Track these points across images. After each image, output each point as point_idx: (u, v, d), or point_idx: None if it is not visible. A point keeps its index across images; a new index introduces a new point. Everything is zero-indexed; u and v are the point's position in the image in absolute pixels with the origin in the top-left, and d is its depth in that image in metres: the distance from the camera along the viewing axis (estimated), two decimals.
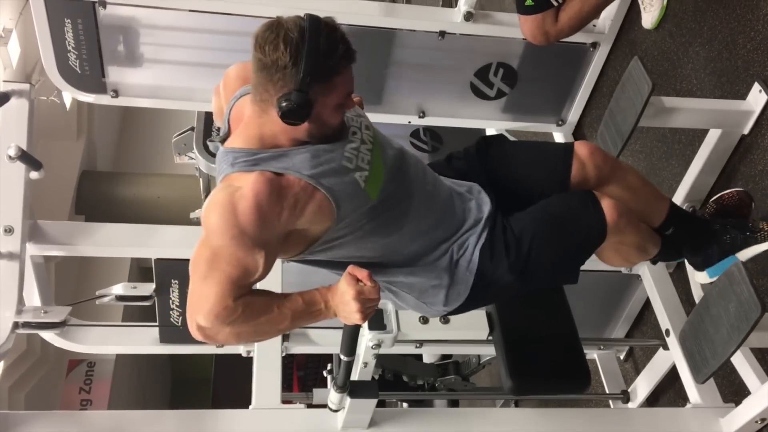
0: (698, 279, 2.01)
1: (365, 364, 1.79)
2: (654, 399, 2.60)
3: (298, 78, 1.33)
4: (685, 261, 2.07)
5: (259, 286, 1.47)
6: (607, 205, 1.68)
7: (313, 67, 1.33)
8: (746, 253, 1.90)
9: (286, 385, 5.73)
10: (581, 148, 1.75)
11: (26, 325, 2.19)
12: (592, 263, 2.51)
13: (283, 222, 1.41)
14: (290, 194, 1.40)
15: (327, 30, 1.35)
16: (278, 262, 1.68)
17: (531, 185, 1.76)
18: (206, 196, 3.86)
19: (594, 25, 2.81)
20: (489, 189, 1.74)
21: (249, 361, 2.25)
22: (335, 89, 1.39)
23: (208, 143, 1.59)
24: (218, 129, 1.64)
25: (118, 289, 2.31)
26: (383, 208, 1.54)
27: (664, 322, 2.30)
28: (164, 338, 2.39)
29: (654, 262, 2.02)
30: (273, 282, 2.00)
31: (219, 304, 1.39)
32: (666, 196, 1.94)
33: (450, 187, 1.72)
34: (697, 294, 2.25)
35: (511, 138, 1.95)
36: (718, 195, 2.02)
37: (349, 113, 1.55)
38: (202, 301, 1.40)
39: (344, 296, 1.41)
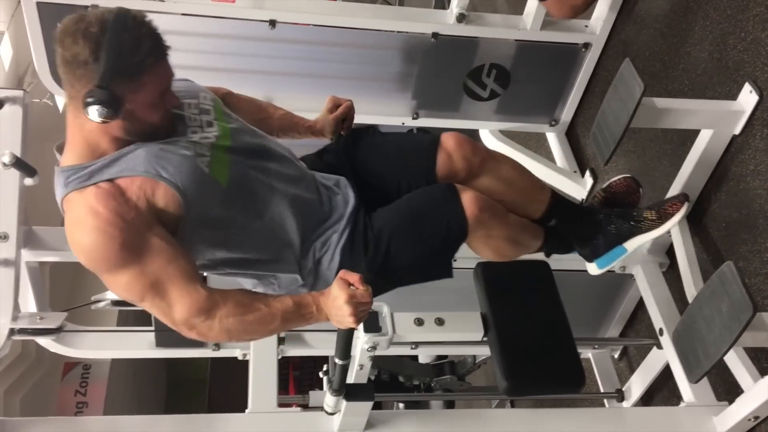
0: (590, 271, 1.99)
1: (361, 367, 1.79)
2: (648, 398, 2.61)
3: (99, 74, 1.31)
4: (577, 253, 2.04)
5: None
6: (467, 198, 1.63)
7: (113, 63, 1.31)
8: (632, 243, 1.88)
9: (282, 386, 5.74)
10: (448, 140, 1.72)
11: (22, 331, 2.19)
12: (585, 263, 2.54)
13: (143, 216, 1.40)
14: (131, 194, 1.40)
15: (133, 25, 1.33)
16: None
17: (398, 179, 1.73)
18: None
19: (586, 26, 2.82)
20: (354, 183, 1.72)
21: (245, 363, 2.25)
22: (145, 86, 1.37)
23: (55, 151, 1.57)
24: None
25: (114, 294, 2.30)
26: (237, 192, 1.52)
27: (657, 322, 2.32)
28: (160, 342, 2.39)
29: (547, 254, 1.96)
30: None
31: (193, 296, 1.41)
32: (548, 186, 1.89)
33: (318, 180, 1.70)
34: (690, 293, 2.27)
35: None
36: (607, 183, 1.98)
37: (193, 101, 1.55)
38: (177, 306, 1.41)
39: (336, 300, 1.42)
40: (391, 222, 1.64)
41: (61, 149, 1.51)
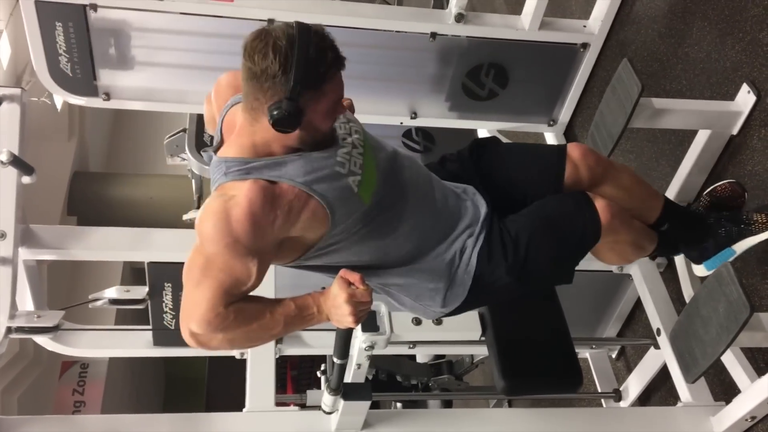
0: (696, 272, 2.03)
1: (359, 366, 1.80)
2: (646, 398, 2.62)
3: (288, 86, 1.34)
4: (683, 255, 2.10)
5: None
6: (600, 205, 1.70)
7: (302, 75, 1.34)
8: (742, 245, 1.92)
9: (280, 385, 5.74)
10: (574, 150, 1.78)
11: (19, 329, 2.19)
12: (584, 263, 2.54)
13: (277, 229, 1.42)
14: (284, 202, 1.41)
15: (316, 38, 1.36)
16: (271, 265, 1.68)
17: (525, 187, 1.78)
18: (198, 197, 3.88)
19: (584, 26, 2.83)
20: (484, 191, 1.75)
21: (243, 362, 2.25)
22: (325, 96, 1.40)
23: (202, 153, 1.59)
24: (211, 137, 1.64)
25: (111, 292, 2.30)
26: (377, 211, 1.55)
27: (655, 322, 2.32)
28: (158, 341, 2.39)
29: (653, 257, 2.05)
30: (266, 285, 2.00)
31: (211, 311, 1.40)
32: (660, 193, 1.96)
33: (447, 187, 1.73)
34: (688, 293, 2.27)
35: (505, 140, 1.96)
36: (712, 187, 2.04)
37: (340, 118, 1.56)
38: (195, 308, 1.41)
39: (336, 299, 1.42)
40: (528, 227, 1.68)
41: (216, 151, 1.51)
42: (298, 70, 1.33)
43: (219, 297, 1.40)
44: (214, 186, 1.47)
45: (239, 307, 1.44)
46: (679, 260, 2.33)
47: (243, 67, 1.37)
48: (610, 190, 1.80)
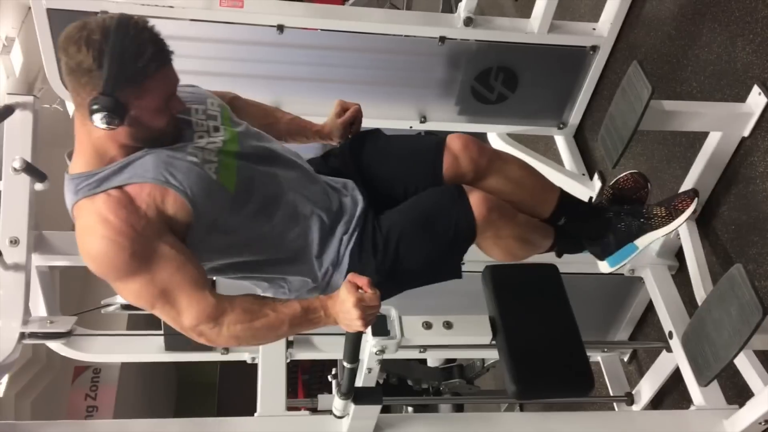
0: (601, 268, 1.98)
1: (369, 370, 1.80)
2: (658, 401, 2.60)
3: (103, 81, 1.31)
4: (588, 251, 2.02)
5: None
6: (475, 198, 1.63)
7: (117, 69, 1.31)
8: (644, 240, 1.86)
9: (291, 390, 5.74)
10: (454, 142, 1.71)
11: (33, 335, 2.20)
12: (594, 266, 2.53)
13: (152, 224, 1.41)
14: (140, 201, 1.41)
15: (135, 31, 1.33)
16: None
17: (404, 182, 1.72)
18: None
19: (593, 29, 2.82)
20: (362, 186, 1.72)
21: (254, 367, 2.26)
22: (149, 92, 1.37)
23: (65, 158, 1.57)
24: None
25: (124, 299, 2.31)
26: (246, 198, 1.52)
27: (666, 325, 2.31)
28: (169, 346, 2.40)
29: (558, 254, 1.96)
30: None
31: (201, 303, 1.42)
32: (555, 186, 1.88)
33: (325, 182, 1.70)
34: (700, 296, 2.26)
35: (386, 134, 1.87)
36: (615, 179, 1.97)
37: (200, 107, 1.56)
38: (186, 313, 1.43)
39: (344, 304, 1.42)
40: (399, 224, 1.64)
41: (71, 156, 1.52)
42: (112, 65, 1.30)
43: (193, 288, 1.42)
44: (69, 206, 1.46)
45: (234, 301, 1.45)
46: (691, 263, 2.32)
47: (61, 60, 1.35)
48: (496, 183, 1.73)
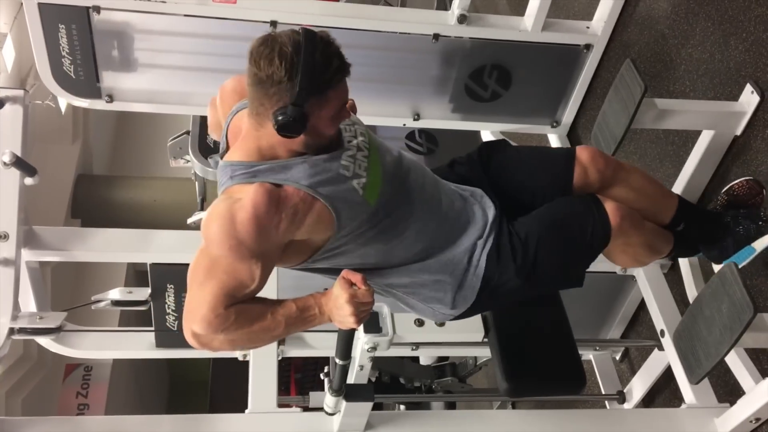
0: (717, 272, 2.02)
1: (361, 367, 1.80)
2: (650, 399, 2.61)
3: (294, 92, 1.34)
4: (702, 255, 2.07)
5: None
6: (610, 208, 1.70)
7: (308, 81, 1.34)
8: (762, 242, 1.91)
9: (283, 388, 5.74)
10: (583, 153, 1.78)
11: (22, 330, 2.19)
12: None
13: (282, 232, 1.42)
14: (289, 205, 1.41)
15: (322, 45, 1.36)
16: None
17: (534, 191, 1.78)
18: (202, 200, 3.88)
19: (587, 27, 2.82)
20: (492, 194, 1.75)
21: (246, 364, 2.25)
22: (330, 102, 1.40)
23: (209, 159, 1.59)
24: (214, 141, 1.65)
25: (114, 294, 2.30)
26: (383, 213, 1.55)
27: (659, 323, 2.31)
28: (160, 343, 2.39)
29: (673, 259, 2.05)
30: (269, 286, 2.00)
31: (212, 312, 1.40)
32: (674, 192, 1.96)
33: (453, 190, 1.73)
34: (692, 294, 2.26)
35: (513, 143, 1.96)
36: (729, 185, 2.03)
37: (345, 121, 1.56)
38: (197, 309, 1.41)
39: (338, 300, 1.42)
40: (537, 230, 1.68)
41: (223, 156, 1.52)
42: (304, 77, 1.33)
43: (221, 298, 1.41)
44: (221, 189, 1.48)
45: (240, 309, 1.44)
46: (683, 261, 2.32)
47: (248, 72, 1.37)
48: (620, 192, 1.80)
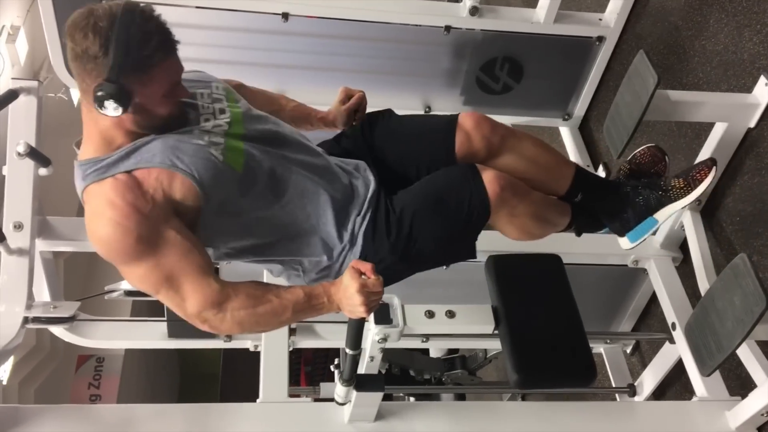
0: (622, 245, 1.93)
1: (372, 358, 1.79)
2: (660, 392, 2.60)
3: (108, 68, 1.32)
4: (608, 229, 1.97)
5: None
6: (488, 177, 1.61)
7: (122, 57, 1.32)
8: (663, 213, 1.82)
9: (294, 380, 5.76)
10: (466, 120, 1.70)
11: (36, 320, 2.21)
12: (598, 257, 2.53)
13: (159, 208, 1.41)
14: (147, 185, 1.41)
15: (141, 19, 1.34)
16: None
17: (417, 162, 1.71)
18: None
19: (600, 19, 2.81)
20: (373, 167, 1.71)
21: (257, 355, 2.26)
22: (154, 80, 1.38)
23: (74, 147, 1.58)
24: None
25: (127, 284, 2.32)
26: (253, 178, 1.52)
27: (670, 316, 2.30)
28: (172, 333, 2.40)
29: (577, 233, 1.92)
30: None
31: (206, 289, 1.42)
32: (571, 161, 1.86)
33: (336, 164, 1.69)
34: (704, 288, 2.25)
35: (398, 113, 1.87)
36: (632, 154, 1.93)
37: (205, 91, 1.57)
38: (190, 299, 1.43)
39: (348, 290, 1.42)
40: (412, 204, 1.63)
41: (79, 145, 1.53)
42: (117, 52, 1.31)
43: (198, 274, 1.43)
44: (79, 192, 1.48)
45: (238, 287, 1.45)
46: (695, 254, 2.31)
47: (67, 47, 1.36)
48: (509, 160, 1.71)
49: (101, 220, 1.40)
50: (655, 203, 1.81)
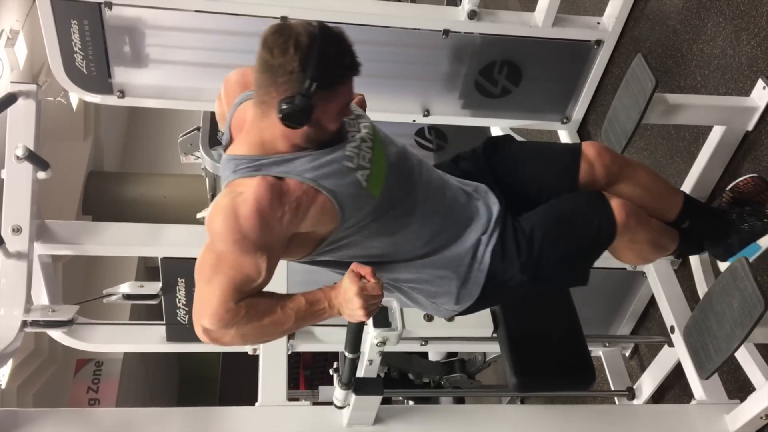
0: (723, 269, 1.99)
1: (370, 362, 1.79)
2: (659, 396, 2.60)
3: (304, 83, 1.34)
4: (707, 253, 2.07)
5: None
6: (615, 204, 1.69)
7: (320, 74, 1.34)
8: (766, 240, 1.90)
9: (293, 384, 5.75)
10: (589, 149, 1.77)
11: (34, 323, 2.21)
12: (597, 260, 2.52)
13: (286, 225, 1.42)
14: (292, 198, 1.42)
15: (337, 40, 1.37)
16: (283, 261, 1.69)
17: (539, 186, 1.77)
18: (212, 196, 3.90)
19: (598, 23, 2.82)
20: (497, 189, 1.75)
21: (256, 359, 2.26)
22: (337, 97, 1.40)
23: (213, 152, 1.60)
24: (223, 134, 1.65)
25: (126, 287, 2.32)
26: (387, 205, 1.55)
27: (669, 319, 2.30)
28: (171, 336, 2.40)
29: (677, 256, 2.04)
30: (278, 281, 2.01)
31: (221, 307, 1.41)
32: (679, 189, 1.94)
33: (457, 186, 1.73)
34: (702, 291, 2.26)
35: (519, 138, 1.96)
36: (734, 183, 2.02)
37: (348, 115, 1.56)
38: (206, 305, 1.43)
39: (347, 293, 1.43)
40: (542, 225, 1.67)
41: (226, 149, 1.53)
42: (317, 69, 1.34)
43: (229, 293, 1.42)
44: (224, 183, 1.48)
45: (250, 303, 1.45)
46: (694, 258, 2.31)
47: (259, 59, 1.37)
48: (626, 189, 1.79)
49: (232, 199, 1.39)
50: (759, 230, 1.91)
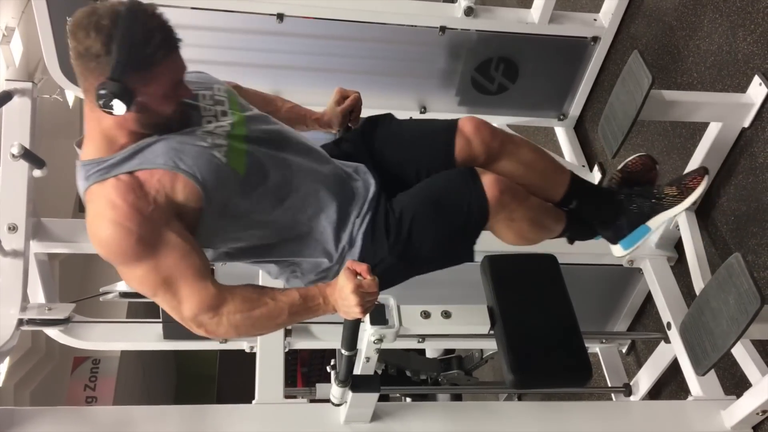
0: (614, 253, 1.94)
1: (367, 359, 1.79)
2: (656, 392, 2.61)
3: (111, 66, 1.32)
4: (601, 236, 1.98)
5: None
6: (487, 180, 1.62)
7: (125, 56, 1.32)
8: (656, 221, 1.84)
9: (290, 382, 5.76)
10: (466, 124, 1.71)
11: (31, 321, 2.21)
12: (594, 257, 2.53)
13: (161, 210, 1.41)
14: (149, 188, 1.41)
15: (144, 18, 1.34)
16: None
17: (416, 165, 1.72)
18: None
19: (595, 20, 2.82)
20: (374, 170, 1.72)
21: (253, 357, 2.26)
22: (156, 79, 1.38)
23: (75, 147, 1.57)
24: None
25: (122, 285, 2.32)
26: (256, 180, 1.52)
27: (665, 315, 2.31)
28: (167, 334, 2.40)
29: (570, 240, 1.94)
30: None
31: (202, 293, 1.42)
32: (567, 168, 1.87)
33: (337, 166, 1.69)
34: (699, 287, 2.26)
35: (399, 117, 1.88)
36: (623, 163, 1.95)
37: (207, 92, 1.56)
38: (186, 303, 1.43)
39: (343, 290, 1.42)
40: (412, 206, 1.63)
41: (80, 145, 1.52)
42: (120, 51, 1.31)
43: (195, 278, 1.42)
44: (81, 192, 1.47)
45: (234, 291, 1.45)
46: (690, 254, 2.31)
47: (69, 45, 1.35)
48: (508, 166, 1.72)
49: (102, 221, 1.40)
50: (648, 211, 1.83)
